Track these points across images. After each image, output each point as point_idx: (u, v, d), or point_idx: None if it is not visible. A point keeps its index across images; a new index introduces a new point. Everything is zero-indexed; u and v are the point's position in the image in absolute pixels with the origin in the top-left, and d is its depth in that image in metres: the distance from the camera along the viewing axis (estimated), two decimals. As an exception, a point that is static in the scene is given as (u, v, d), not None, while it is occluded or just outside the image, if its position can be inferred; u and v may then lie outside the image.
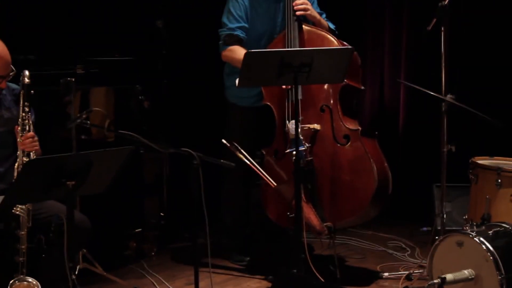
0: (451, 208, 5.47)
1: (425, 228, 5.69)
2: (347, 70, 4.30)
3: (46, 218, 3.97)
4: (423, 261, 4.67)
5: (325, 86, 4.71)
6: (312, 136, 4.67)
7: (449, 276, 3.82)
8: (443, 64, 4.51)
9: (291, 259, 4.24)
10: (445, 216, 4.61)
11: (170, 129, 5.63)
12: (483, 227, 4.05)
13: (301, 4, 4.74)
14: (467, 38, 5.89)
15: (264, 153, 4.83)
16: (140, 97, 5.25)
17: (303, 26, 4.78)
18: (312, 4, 4.89)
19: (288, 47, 4.68)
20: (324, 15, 4.96)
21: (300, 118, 4.33)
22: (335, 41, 4.70)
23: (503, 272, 3.79)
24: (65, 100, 4.77)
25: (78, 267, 4.42)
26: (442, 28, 4.49)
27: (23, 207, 3.84)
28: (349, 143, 4.64)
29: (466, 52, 5.88)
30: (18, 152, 3.93)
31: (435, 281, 3.84)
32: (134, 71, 5.40)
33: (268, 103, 4.82)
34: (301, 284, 4.19)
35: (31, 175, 3.40)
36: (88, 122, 4.03)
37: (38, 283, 3.81)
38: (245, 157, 4.49)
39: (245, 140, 4.63)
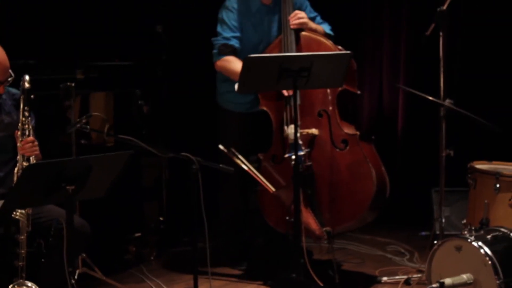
0: (449, 213, 5.47)
1: (423, 233, 5.69)
2: (346, 75, 4.32)
3: (46, 222, 3.97)
4: (422, 266, 4.68)
5: (323, 91, 4.72)
6: (310, 141, 4.68)
7: (447, 281, 3.82)
8: (442, 69, 4.52)
9: (290, 264, 4.25)
10: (443, 220, 4.62)
11: (170, 133, 5.64)
12: (482, 232, 4.06)
13: (297, 19, 4.74)
14: (465, 43, 5.90)
15: (262, 158, 4.83)
16: (139, 102, 5.25)
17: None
18: (305, 9, 4.91)
19: (284, 52, 4.70)
20: (318, 18, 4.97)
21: (298, 123, 4.34)
22: (331, 46, 4.73)
23: (501, 276, 3.79)
24: (65, 104, 4.77)
25: (77, 272, 4.43)
26: (441, 33, 4.50)
27: (23, 211, 3.84)
28: (347, 147, 4.66)
29: (464, 57, 5.89)
30: (18, 157, 3.93)
31: (434, 285, 3.84)
32: (133, 76, 5.40)
33: (265, 108, 4.82)
34: (300, 289, 4.20)
35: (31, 180, 3.41)
36: (88, 126, 4.04)
37: (37, 287, 3.81)
38: (243, 162, 4.50)
39: (239, 146, 4.60)
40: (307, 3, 4.99)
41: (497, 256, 3.84)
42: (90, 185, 3.50)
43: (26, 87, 3.93)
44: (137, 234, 5.34)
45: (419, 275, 4.66)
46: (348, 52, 4.31)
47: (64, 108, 4.80)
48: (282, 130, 4.71)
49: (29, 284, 3.81)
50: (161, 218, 5.59)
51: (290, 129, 4.55)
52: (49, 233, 3.96)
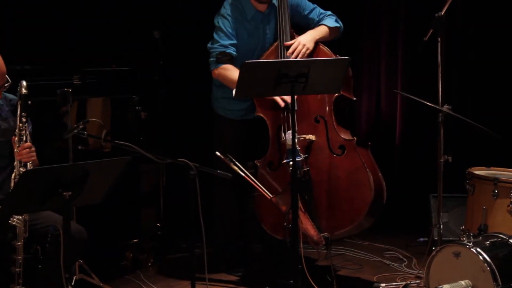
0: (447, 219, 5.47)
1: (422, 239, 5.68)
2: (344, 81, 4.31)
3: (43, 228, 3.96)
4: (420, 272, 4.67)
5: (319, 97, 4.72)
6: (307, 146, 4.68)
7: (446, 287, 3.82)
8: (440, 75, 4.52)
9: (288, 270, 4.24)
10: (442, 226, 4.61)
11: (167, 139, 5.63)
12: (480, 238, 4.05)
13: (298, 53, 4.71)
14: (463, 49, 5.90)
15: (258, 164, 4.82)
16: (137, 108, 5.24)
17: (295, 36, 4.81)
18: (302, 7, 4.90)
19: (281, 58, 4.70)
20: (318, 9, 4.95)
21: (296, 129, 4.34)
22: (328, 52, 4.73)
23: (500, 282, 3.78)
24: (62, 110, 4.76)
25: (74, 278, 4.43)
26: (439, 39, 4.49)
27: (20, 217, 3.83)
28: (344, 153, 4.66)
29: (462, 62, 5.90)
30: (15, 163, 3.93)
31: (432, 291, 3.85)
32: (131, 82, 5.39)
33: (261, 115, 4.82)
34: (298, 295, 4.19)
35: (28, 186, 3.40)
36: (85, 132, 4.03)
37: (34, 293, 3.81)
38: (239, 169, 4.49)
39: (234, 152, 4.59)
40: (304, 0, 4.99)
41: (495, 262, 3.84)
42: (87, 191, 3.49)
43: (23, 93, 3.94)
44: (134, 240, 5.32)
45: (417, 281, 4.65)
46: (346, 57, 4.31)
47: (61, 114, 4.79)
48: (278, 137, 4.71)
49: (26, 290, 3.81)
50: (158, 224, 5.58)
51: (288, 135, 4.55)
52: (46, 239, 3.95)
